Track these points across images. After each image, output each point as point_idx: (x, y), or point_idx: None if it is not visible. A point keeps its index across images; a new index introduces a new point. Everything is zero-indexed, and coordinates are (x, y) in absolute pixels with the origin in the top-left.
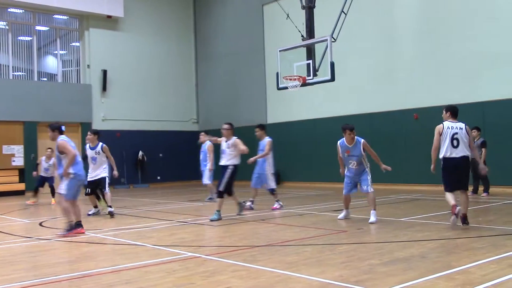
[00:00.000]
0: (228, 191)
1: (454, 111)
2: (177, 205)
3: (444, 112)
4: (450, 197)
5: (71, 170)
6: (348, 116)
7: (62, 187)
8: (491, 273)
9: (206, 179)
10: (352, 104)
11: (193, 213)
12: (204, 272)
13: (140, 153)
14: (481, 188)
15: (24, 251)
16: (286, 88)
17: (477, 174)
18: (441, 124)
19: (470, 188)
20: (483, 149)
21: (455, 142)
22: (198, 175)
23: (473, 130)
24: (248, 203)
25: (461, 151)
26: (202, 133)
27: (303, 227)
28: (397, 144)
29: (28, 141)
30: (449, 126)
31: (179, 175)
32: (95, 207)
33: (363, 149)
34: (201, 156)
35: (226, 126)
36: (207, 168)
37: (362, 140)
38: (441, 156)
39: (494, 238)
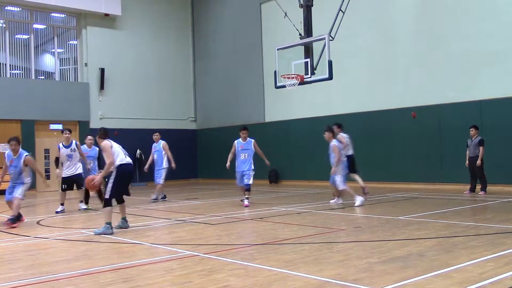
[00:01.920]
0: (117, 197)
1: (340, 125)
2: (175, 203)
3: (336, 127)
4: (359, 180)
5: (28, 180)
6: (345, 114)
7: (19, 192)
8: (489, 271)
9: (161, 179)
10: (350, 103)
11: (191, 211)
12: (202, 270)
13: (138, 151)
14: (478, 187)
15: (22, 249)
16: (284, 86)
17: (475, 173)
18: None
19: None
20: (481, 148)
21: (351, 145)
22: (196, 174)
23: (471, 129)
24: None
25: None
26: (157, 133)
27: (301, 226)
28: (395, 143)
29: (25, 140)
30: (346, 137)
31: (177, 173)
32: (62, 204)
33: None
34: (155, 156)
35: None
36: (164, 168)
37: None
38: (349, 153)
39: (491, 236)
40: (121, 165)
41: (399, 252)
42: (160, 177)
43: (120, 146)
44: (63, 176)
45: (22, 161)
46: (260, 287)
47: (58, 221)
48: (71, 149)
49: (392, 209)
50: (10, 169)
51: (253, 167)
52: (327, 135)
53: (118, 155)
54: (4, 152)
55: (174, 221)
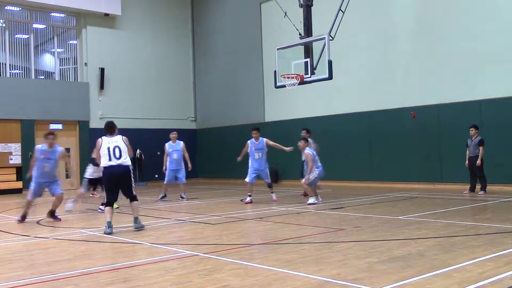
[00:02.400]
0: (111, 199)
1: (309, 131)
2: (175, 203)
3: (304, 132)
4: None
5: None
6: (345, 114)
7: (61, 188)
8: (488, 271)
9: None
10: (349, 103)
11: (191, 211)
12: (202, 270)
13: (138, 151)
14: (478, 186)
15: (21, 249)
16: (284, 86)
17: (474, 172)
18: (306, 141)
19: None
20: (481, 147)
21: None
22: (196, 173)
23: (471, 129)
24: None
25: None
26: (175, 132)
27: (301, 225)
28: (394, 142)
29: (25, 139)
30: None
31: None
32: (76, 201)
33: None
34: (176, 156)
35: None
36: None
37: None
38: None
39: (491, 236)
40: (104, 167)
41: (399, 252)
42: (184, 176)
43: (115, 146)
44: (90, 177)
45: (57, 154)
46: (260, 287)
47: (58, 221)
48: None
49: (392, 209)
50: (42, 162)
51: (261, 167)
52: (301, 144)
53: (102, 157)
54: (37, 148)
55: (174, 221)
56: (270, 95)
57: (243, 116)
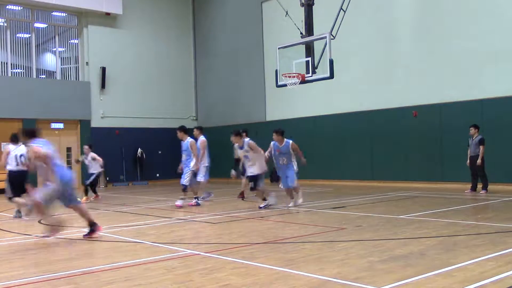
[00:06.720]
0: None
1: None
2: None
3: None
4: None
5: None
6: (347, 113)
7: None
8: (490, 270)
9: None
10: (351, 102)
11: (192, 210)
12: (203, 269)
13: (139, 150)
14: (479, 186)
15: (23, 248)
16: (285, 85)
17: (475, 172)
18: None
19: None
20: (481, 147)
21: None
22: (197, 173)
23: (471, 128)
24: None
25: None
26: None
27: (302, 225)
28: (396, 141)
29: None
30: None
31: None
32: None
33: (292, 149)
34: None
35: None
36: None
37: (291, 141)
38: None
39: (492, 236)
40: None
41: (400, 251)
42: (199, 174)
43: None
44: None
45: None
46: (261, 286)
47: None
48: (246, 150)
49: (393, 208)
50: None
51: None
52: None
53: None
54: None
55: (175, 220)
56: (271, 94)
57: (244, 115)
